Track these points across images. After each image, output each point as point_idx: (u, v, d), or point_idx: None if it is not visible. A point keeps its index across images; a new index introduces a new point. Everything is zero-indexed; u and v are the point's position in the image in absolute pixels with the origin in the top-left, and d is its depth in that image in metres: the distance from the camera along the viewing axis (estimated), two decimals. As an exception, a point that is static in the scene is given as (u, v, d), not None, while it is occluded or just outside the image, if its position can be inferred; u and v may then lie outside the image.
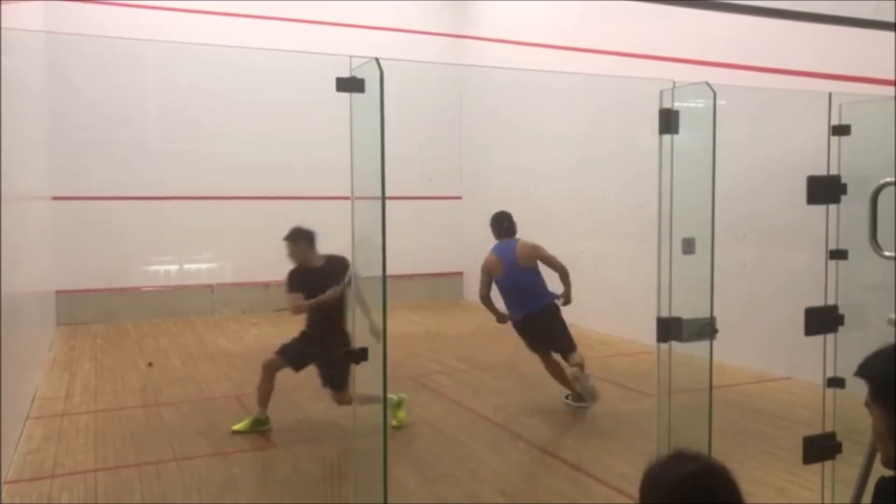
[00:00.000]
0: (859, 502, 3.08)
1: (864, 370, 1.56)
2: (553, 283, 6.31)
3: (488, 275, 6.31)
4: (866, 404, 1.56)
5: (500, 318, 6.34)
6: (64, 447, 5.36)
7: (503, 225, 6.43)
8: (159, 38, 10.90)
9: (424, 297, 12.45)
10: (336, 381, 5.55)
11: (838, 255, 4.01)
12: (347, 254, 3.52)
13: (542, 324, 6.18)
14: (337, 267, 5.58)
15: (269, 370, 5.75)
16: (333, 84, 3.29)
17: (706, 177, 3.48)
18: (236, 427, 5.70)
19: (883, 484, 1.60)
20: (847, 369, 4.13)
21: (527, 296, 6.21)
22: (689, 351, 3.52)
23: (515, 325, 6.30)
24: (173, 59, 11.46)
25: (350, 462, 4.70)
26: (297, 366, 5.81)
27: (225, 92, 11.41)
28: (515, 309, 6.23)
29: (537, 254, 6.25)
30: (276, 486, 4.65)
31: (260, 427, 5.68)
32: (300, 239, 5.73)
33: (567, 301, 6.14)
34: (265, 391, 5.73)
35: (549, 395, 6.62)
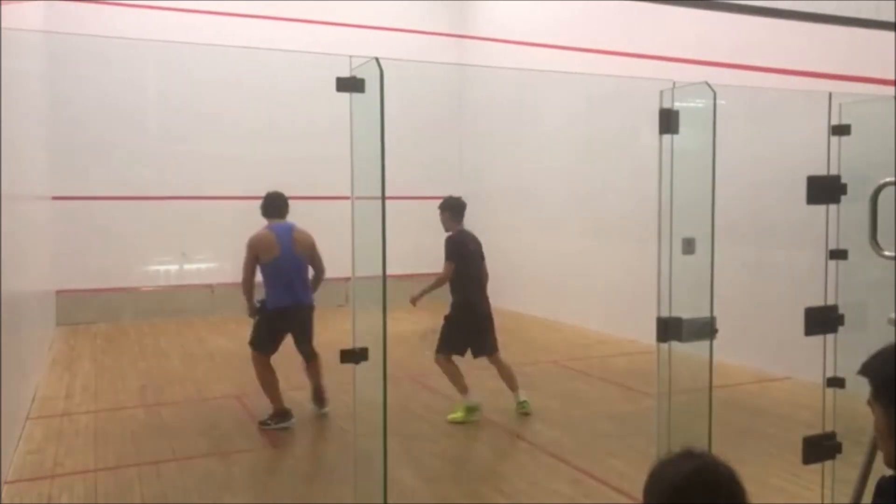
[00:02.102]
0: (859, 502, 3.08)
1: (867, 369, 1.57)
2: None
3: (255, 255, 5.97)
4: (869, 403, 1.57)
5: (252, 312, 6.01)
6: (64, 447, 5.36)
7: (275, 205, 6.25)
8: (159, 38, 10.89)
9: (425, 297, 12.44)
10: (488, 346, 5.97)
11: (838, 255, 4.01)
12: (347, 254, 3.52)
13: (304, 319, 6.01)
14: (476, 241, 6.15)
15: (448, 363, 5.93)
16: (333, 84, 3.29)
17: (706, 177, 3.48)
18: (453, 416, 5.85)
19: (883, 483, 1.60)
20: (847, 369, 4.13)
21: (301, 284, 5.99)
22: (689, 351, 3.52)
23: (270, 312, 5.90)
24: (173, 58, 11.45)
25: (350, 462, 4.70)
26: (462, 352, 6.03)
27: (225, 92, 11.41)
28: (282, 294, 5.88)
29: (312, 245, 6.11)
30: (276, 486, 4.65)
31: (472, 415, 5.84)
32: (445, 208, 6.12)
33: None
34: (457, 378, 5.89)
35: (549, 395, 6.63)
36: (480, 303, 6.07)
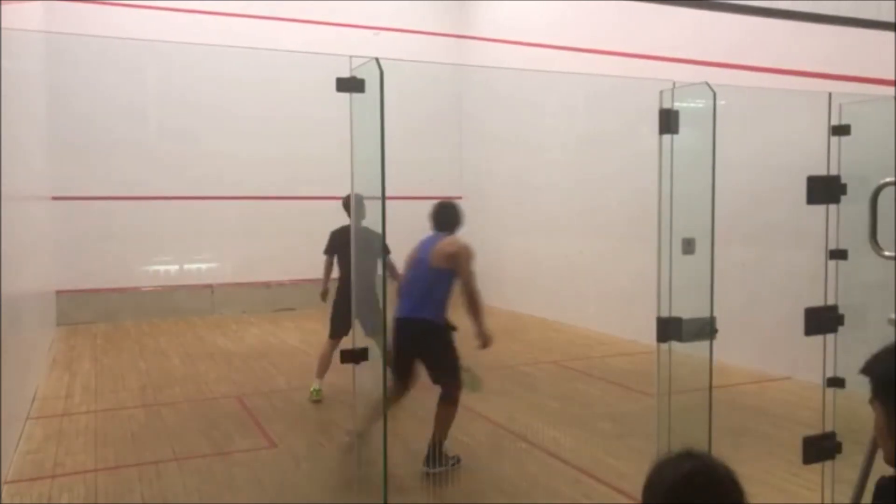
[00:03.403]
0: (859, 502, 3.08)
1: (868, 367, 1.58)
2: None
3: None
4: (870, 402, 1.58)
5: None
6: (64, 447, 5.36)
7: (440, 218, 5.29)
8: (159, 38, 10.90)
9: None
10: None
11: (838, 255, 4.02)
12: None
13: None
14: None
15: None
16: (333, 84, 3.29)
17: (706, 177, 3.48)
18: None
19: (883, 483, 1.60)
20: (847, 369, 4.14)
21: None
22: (689, 351, 3.52)
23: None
24: (173, 58, 11.45)
25: (350, 462, 4.70)
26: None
27: (225, 92, 11.42)
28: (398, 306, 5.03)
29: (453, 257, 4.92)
30: (276, 486, 4.65)
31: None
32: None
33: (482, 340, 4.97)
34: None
35: (549, 396, 6.63)
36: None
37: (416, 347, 4.83)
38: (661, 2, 5.72)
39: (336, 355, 5.58)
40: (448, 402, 4.88)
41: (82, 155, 10.73)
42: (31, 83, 8.24)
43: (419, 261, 4.98)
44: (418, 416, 6.08)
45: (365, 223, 5.74)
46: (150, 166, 11.15)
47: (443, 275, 4.83)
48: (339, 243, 6.45)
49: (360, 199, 5.71)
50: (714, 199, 3.51)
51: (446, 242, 4.94)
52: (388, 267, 5.78)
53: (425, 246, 5.01)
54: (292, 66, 11.41)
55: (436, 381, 4.93)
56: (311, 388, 6.37)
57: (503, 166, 12.02)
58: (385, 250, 5.80)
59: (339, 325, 6.25)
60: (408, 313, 4.83)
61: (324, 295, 6.59)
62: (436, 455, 4.78)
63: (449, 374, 4.90)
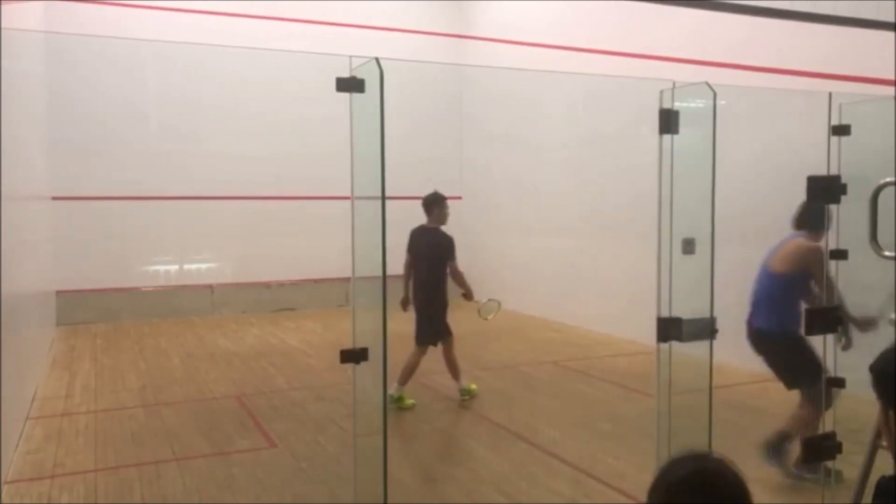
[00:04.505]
0: (859, 502, 3.08)
1: (873, 364, 1.61)
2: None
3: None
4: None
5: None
6: (64, 447, 5.36)
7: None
8: (159, 38, 10.90)
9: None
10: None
11: (838, 255, 4.01)
12: (347, 253, 3.52)
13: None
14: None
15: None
16: (333, 84, 3.29)
17: (706, 177, 3.48)
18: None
19: (884, 483, 1.60)
20: (847, 369, 4.14)
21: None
22: (689, 351, 3.52)
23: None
24: (173, 58, 11.45)
25: (350, 462, 4.70)
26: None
27: (225, 92, 11.42)
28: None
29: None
30: (276, 486, 4.65)
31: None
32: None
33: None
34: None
35: (549, 396, 6.63)
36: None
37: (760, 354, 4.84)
38: (661, 2, 5.72)
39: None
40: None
41: (82, 155, 10.72)
42: (31, 83, 8.24)
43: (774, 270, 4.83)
44: (418, 415, 6.09)
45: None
46: (150, 166, 11.15)
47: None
48: (416, 243, 6.33)
49: (439, 199, 6.27)
50: (714, 199, 3.51)
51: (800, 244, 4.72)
52: (452, 271, 6.22)
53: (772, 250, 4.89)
54: (292, 66, 11.41)
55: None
56: (390, 394, 5.94)
57: (503, 166, 12.03)
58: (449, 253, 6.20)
59: (425, 332, 6.22)
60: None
61: (405, 303, 6.26)
62: (806, 455, 4.24)
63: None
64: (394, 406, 6.05)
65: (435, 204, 6.30)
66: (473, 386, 6.53)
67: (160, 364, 8.14)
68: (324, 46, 10.45)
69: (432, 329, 6.26)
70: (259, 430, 5.73)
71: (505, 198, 11.87)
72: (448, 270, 6.23)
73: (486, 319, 6.43)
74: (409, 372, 6.22)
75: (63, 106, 10.42)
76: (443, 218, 6.29)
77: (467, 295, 6.31)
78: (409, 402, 6.26)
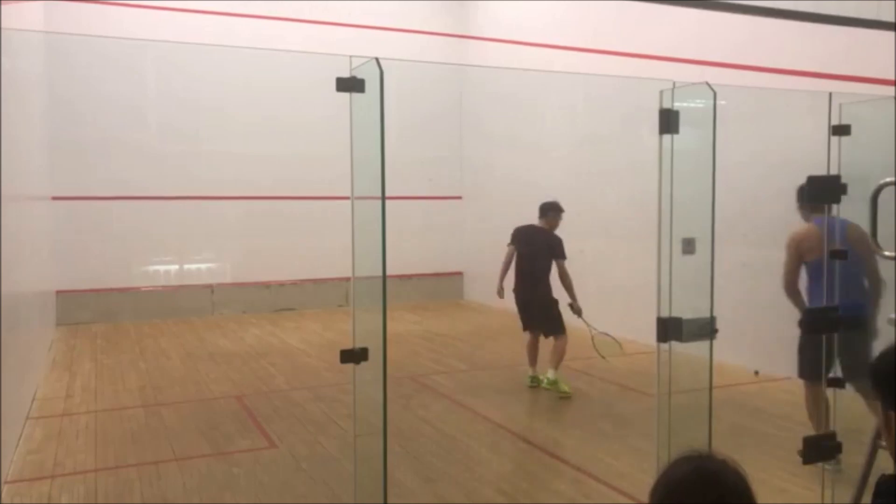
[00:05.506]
0: (859, 502, 3.08)
1: (872, 365, 1.61)
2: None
3: (798, 255, 4.84)
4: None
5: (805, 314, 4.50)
6: (64, 447, 5.36)
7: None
8: (159, 38, 10.90)
9: (424, 297, 12.44)
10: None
11: (838, 255, 4.01)
12: (347, 253, 3.52)
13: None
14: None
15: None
16: (333, 84, 3.29)
17: (706, 177, 3.48)
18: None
19: (883, 483, 1.60)
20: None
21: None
22: (689, 351, 3.52)
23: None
24: (173, 58, 11.46)
25: (350, 462, 4.69)
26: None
27: (225, 92, 11.42)
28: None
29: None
30: (276, 486, 4.65)
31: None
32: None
33: None
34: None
35: (550, 396, 6.63)
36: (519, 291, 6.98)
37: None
38: (661, 2, 5.72)
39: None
40: None
41: (82, 155, 10.73)
42: (31, 83, 8.23)
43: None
44: (418, 415, 6.09)
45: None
46: (150, 166, 11.15)
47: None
48: (519, 241, 7.00)
49: (556, 206, 7.02)
50: (714, 198, 3.51)
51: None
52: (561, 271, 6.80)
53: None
54: (292, 66, 11.41)
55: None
56: (528, 376, 6.90)
57: (503, 166, 12.02)
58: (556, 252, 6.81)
59: (530, 318, 6.94)
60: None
61: (501, 292, 7.01)
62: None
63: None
64: (551, 388, 6.59)
65: (552, 209, 7.03)
66: (566, 387, 6.59)
67: (160, 364, 8.14)
68: (324, 46, 10.45)
69: (540, 317, 6.83)
70: (259, 430, 5.73)
71: (505, 198, 11.86)
72: (557, 270, 6.80)
73: (602, 357, 6.77)
74: (533, 354, 6.89)
75: (63, 106, 10.42)
76: (555, 224, 7.02)
77: (574, 307, 6.75)
78: (565, 388, 6.54)
